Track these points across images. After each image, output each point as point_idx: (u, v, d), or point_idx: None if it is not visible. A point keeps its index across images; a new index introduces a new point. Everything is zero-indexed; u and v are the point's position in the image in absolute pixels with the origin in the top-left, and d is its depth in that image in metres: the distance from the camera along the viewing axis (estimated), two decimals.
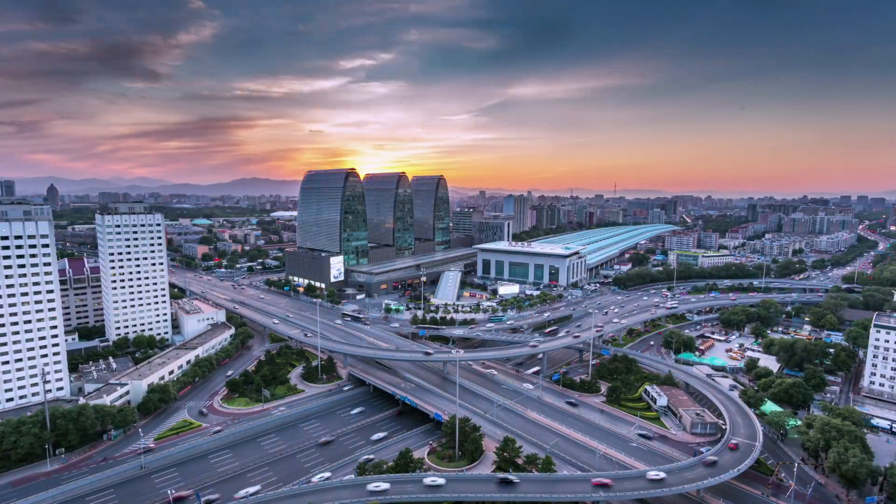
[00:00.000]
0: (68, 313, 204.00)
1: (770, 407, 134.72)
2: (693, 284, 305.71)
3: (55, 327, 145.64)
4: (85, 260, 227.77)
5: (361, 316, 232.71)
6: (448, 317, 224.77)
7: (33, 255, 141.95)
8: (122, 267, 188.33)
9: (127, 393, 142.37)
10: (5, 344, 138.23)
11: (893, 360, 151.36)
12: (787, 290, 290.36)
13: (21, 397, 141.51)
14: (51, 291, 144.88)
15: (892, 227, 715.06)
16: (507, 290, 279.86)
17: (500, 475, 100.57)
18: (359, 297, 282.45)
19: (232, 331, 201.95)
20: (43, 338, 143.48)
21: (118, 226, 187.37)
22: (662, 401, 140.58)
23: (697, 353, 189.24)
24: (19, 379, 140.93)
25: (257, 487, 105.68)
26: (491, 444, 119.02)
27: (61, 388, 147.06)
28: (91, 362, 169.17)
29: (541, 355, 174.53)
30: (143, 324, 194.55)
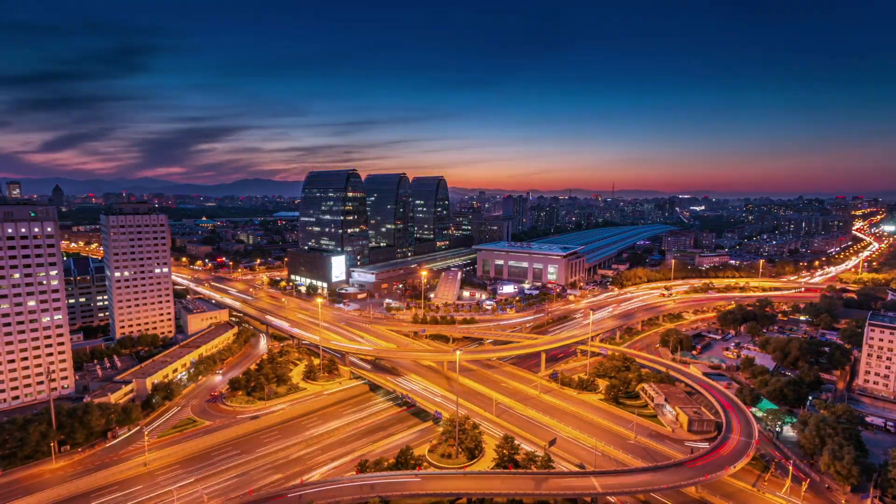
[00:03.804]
0: (73, 312, 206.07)
1: (766, 405, 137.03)
2: (690, 284, 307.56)
3: (60, 326, 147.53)
4: (90, 259, 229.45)
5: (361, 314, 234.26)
6: (448, 316, 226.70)
7: (39, 255, 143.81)
8: (126, 266, 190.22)
9: (131, 391, 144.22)
10: (11, 343, 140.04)
11: (888, 358, 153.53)
12: (783, 289, 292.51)
13: (27, 395, 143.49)
14: (56, 291, 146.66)
15: (887, 227, 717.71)
16: (507, 289, 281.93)
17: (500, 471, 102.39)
18: (360, 296, 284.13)
19: (234, 329, 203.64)
20: (48, 336, 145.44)
21: (122, 226, 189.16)
22: (660, 399, 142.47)
23: (694, 351, 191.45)
24: (25, 377, 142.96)
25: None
26: (490, 442, 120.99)
27: (66, 387, 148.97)
28: (96, 360, 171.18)
29: (540, 354, 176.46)
30: (147, 322, 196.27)
